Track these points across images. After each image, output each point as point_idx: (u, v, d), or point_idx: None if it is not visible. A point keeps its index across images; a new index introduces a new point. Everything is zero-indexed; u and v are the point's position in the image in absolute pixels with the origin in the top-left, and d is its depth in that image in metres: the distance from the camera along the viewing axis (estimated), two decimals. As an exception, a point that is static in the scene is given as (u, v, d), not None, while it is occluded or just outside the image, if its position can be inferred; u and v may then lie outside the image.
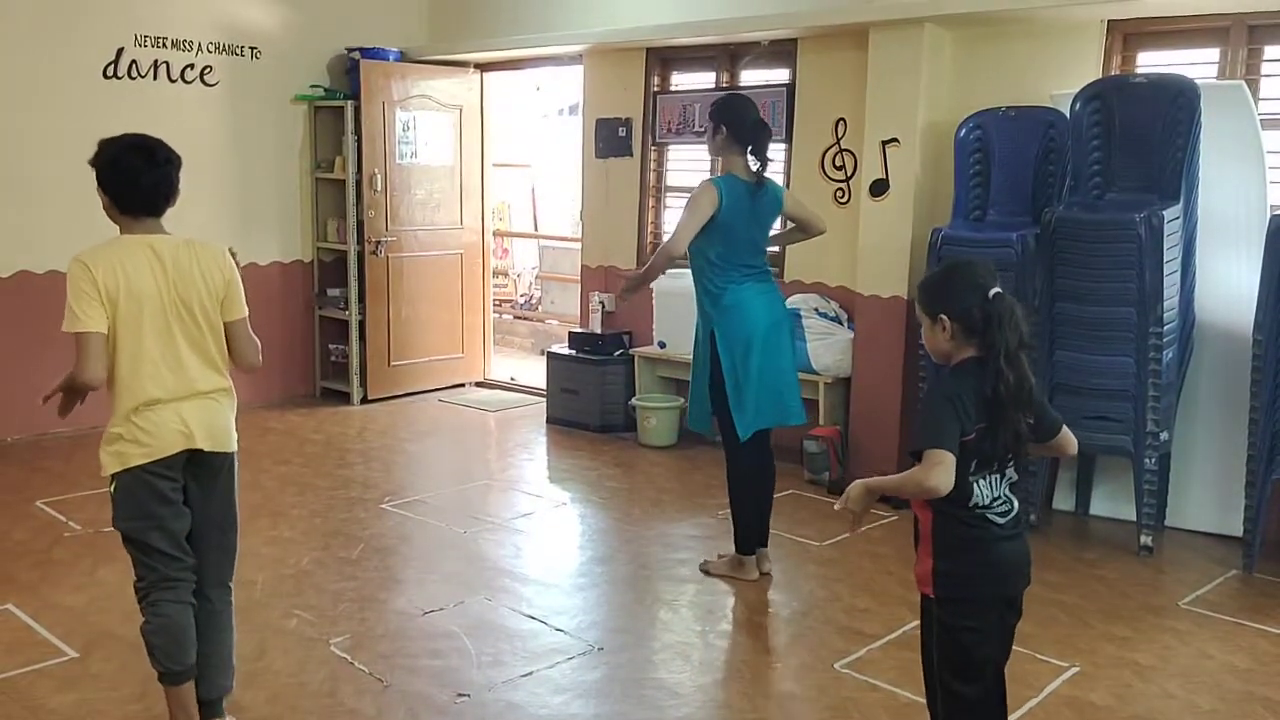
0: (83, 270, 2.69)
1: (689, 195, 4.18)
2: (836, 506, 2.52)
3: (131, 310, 2.73)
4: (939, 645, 2.49)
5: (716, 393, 4.18)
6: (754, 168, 4.13)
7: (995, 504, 2.42)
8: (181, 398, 2.80)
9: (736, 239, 4.10)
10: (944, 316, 2.43)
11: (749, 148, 4.12)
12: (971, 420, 2.35)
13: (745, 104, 4.23)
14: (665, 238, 4.48)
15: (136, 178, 2.75)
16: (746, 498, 4.27)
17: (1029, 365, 2.40)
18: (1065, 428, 2.57)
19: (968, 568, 2.43)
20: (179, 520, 2.85)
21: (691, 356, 4.42)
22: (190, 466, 2.85)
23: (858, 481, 2.49)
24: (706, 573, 4.33)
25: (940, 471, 2.29)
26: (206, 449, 2.84)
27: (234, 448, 2.93)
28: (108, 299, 2.70)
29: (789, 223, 4.47)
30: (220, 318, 2.86)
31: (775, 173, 6.11)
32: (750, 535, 4.29)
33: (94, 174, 2.79)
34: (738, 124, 4.12)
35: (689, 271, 4.28)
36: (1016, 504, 2.47)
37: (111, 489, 2.83)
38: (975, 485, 2.38)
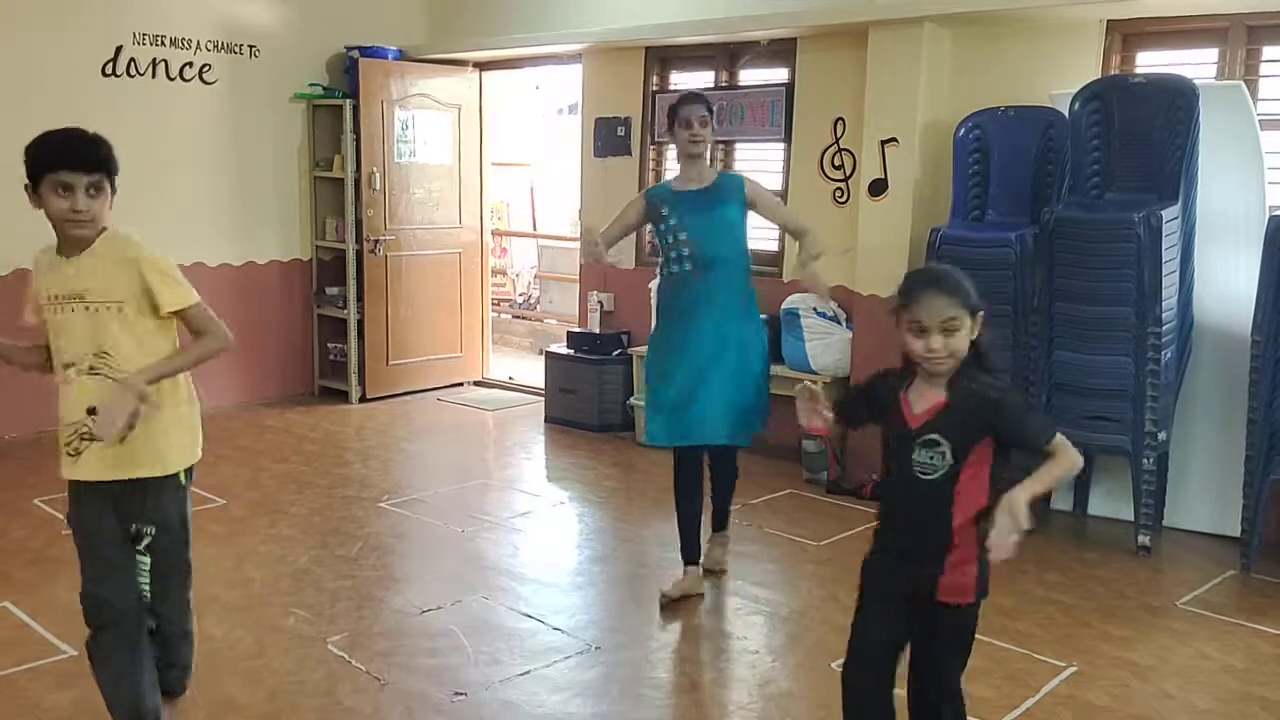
0: (166, 257, 2.67)
1: (761, 186, 4.16)
2: (1014, 538, 2.16)
3: None
4: (963, 651, 2.43)
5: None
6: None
7: None
8: None
9: None
10: (982, 313, 2.35)
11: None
12: None
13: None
14: (795, 217, 4.37)
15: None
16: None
17: None
18: None
19: (989, 569, 2.37)
20: None
21: (741, 359, 4.01)
22: None
23: (1017, 496, 2.18)
24: (708, 571, 4.33)
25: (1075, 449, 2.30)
26: None
27: None
28: None
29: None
30: None
31: (775, 173, 6.19)
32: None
33: (117, 171, 2.64)
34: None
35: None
36: None
37: (185, 482, 2.73)
38: None
